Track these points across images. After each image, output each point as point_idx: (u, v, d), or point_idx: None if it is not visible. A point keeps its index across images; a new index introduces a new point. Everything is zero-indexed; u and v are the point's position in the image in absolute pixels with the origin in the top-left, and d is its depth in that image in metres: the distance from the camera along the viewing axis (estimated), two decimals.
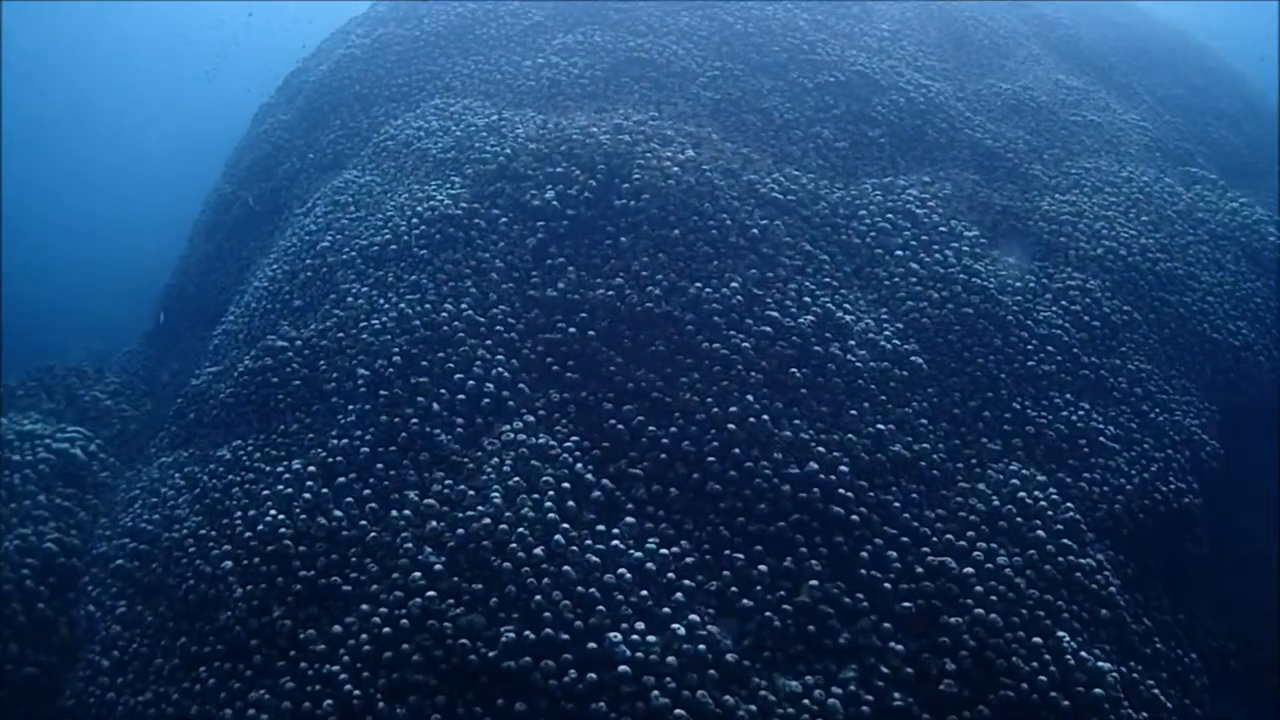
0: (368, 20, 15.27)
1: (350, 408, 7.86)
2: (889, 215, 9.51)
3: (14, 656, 8.15)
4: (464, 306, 8.21)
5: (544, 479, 6.94)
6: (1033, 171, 11.25)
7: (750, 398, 7.42)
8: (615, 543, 6.63)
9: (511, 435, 7.32)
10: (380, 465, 7.34)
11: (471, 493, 6.96)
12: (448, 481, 7.12)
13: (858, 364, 7.89)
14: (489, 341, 7.95)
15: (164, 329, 14.48)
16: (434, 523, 6.81)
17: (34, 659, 8.14)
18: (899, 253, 9.15)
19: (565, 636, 6.09)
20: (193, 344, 12.75)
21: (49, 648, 8.28)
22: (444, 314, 8.15)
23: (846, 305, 8.44)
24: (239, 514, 7.48)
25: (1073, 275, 9.60)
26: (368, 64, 13.29)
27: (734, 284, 8.18)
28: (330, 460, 7.50)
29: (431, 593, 6.39)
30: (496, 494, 6.83)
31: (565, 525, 6.66)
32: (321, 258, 9.58)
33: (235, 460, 8.06)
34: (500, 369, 7.72)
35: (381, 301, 8.54)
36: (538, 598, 6.26)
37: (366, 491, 7.20)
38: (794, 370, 7.70)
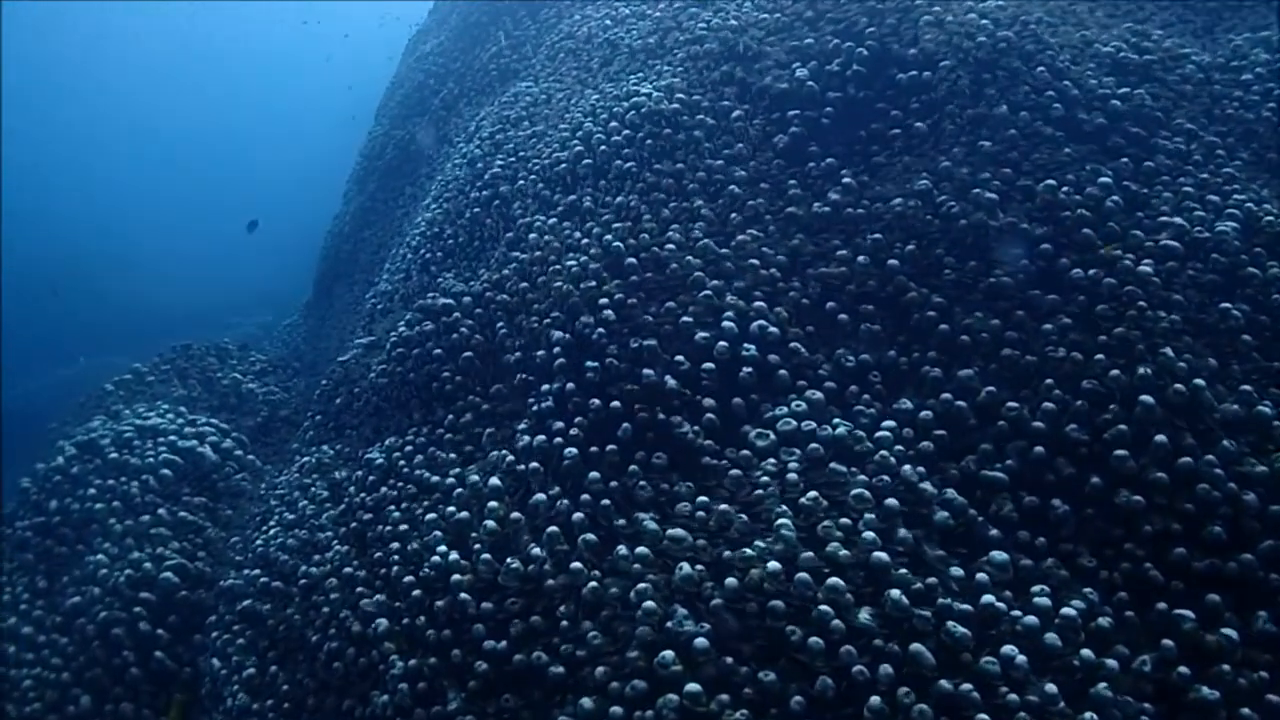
0: None
1: (545, 388, 5.43)
2: None
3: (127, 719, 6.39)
4: (696, 234, 5.70)
5: (854, 491, 4.37)
6: None
7: (1168, 352, 4.64)
8: (987, 597, 4.02)
9: (791, 422, 4.76)
10: (595, 474, 4.85)
11: (743, 517, 4.43)
12: (701, 499, 4.61)
13: None
14: (739, 284, 5.41)
15: (320, 297, 12.66)
16: (686, 567, 4.32)
17: None
18: None
19: None
20: (349, 312, 10.85)
21: (169, 709, 6.46)
22: (669, 246, 5.65)
23: (1268, 206, 5.51)
24: (395, 546, 5.23)
25: None
26: None
27: (1103, 179, 5.37)
28: (521, 467, 5.13)
29: (694, 686, 3.93)
30: (784, 521, 4.28)
31: (902, 570, 4.09)
32: (492, 188, 7.26)
33: (389, 465, 5.82)
34: (761, 321, 5.17)
35: (577, 235, 6.11)
36: (875, 700, 3.72)
37: (578, 515, 4.74)
38: (1227, 306, 4.87)
